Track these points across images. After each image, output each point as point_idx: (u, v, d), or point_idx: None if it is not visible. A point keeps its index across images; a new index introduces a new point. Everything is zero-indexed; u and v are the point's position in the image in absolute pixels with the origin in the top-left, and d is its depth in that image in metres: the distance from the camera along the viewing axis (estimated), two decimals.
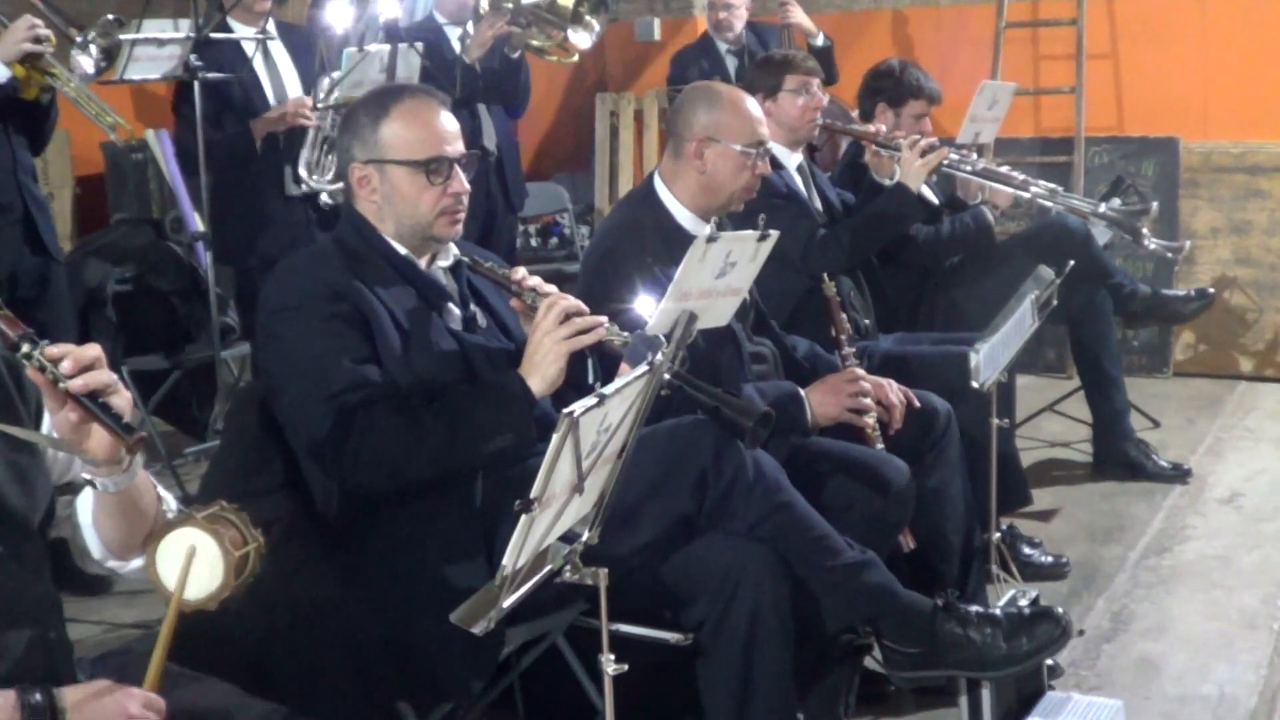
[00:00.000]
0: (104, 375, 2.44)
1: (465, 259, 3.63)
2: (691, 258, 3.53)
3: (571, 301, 3.43)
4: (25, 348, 2.41)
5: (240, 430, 3.60)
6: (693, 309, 3.51)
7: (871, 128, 5.74)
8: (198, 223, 6.52)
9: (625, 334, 3.41)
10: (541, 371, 3.35)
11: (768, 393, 4.09)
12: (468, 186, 3.58)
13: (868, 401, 4.21)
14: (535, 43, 6.86)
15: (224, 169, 6.22)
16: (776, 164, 5.22)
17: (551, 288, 3.49)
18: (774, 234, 3.78)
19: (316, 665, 3.32)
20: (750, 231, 3.74)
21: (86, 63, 5.42)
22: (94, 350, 2.46)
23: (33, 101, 5.32)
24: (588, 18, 6.70)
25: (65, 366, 2.41)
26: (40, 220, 5.50)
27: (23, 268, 5.44)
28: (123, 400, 2.46)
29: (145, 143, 8.10)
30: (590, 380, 3.58)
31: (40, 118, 5.44)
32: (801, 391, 4.17)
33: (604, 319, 3.43)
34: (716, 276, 3.66)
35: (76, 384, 2.40)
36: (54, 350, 2.42)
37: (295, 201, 6.37)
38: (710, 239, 3.55)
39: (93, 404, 2.41)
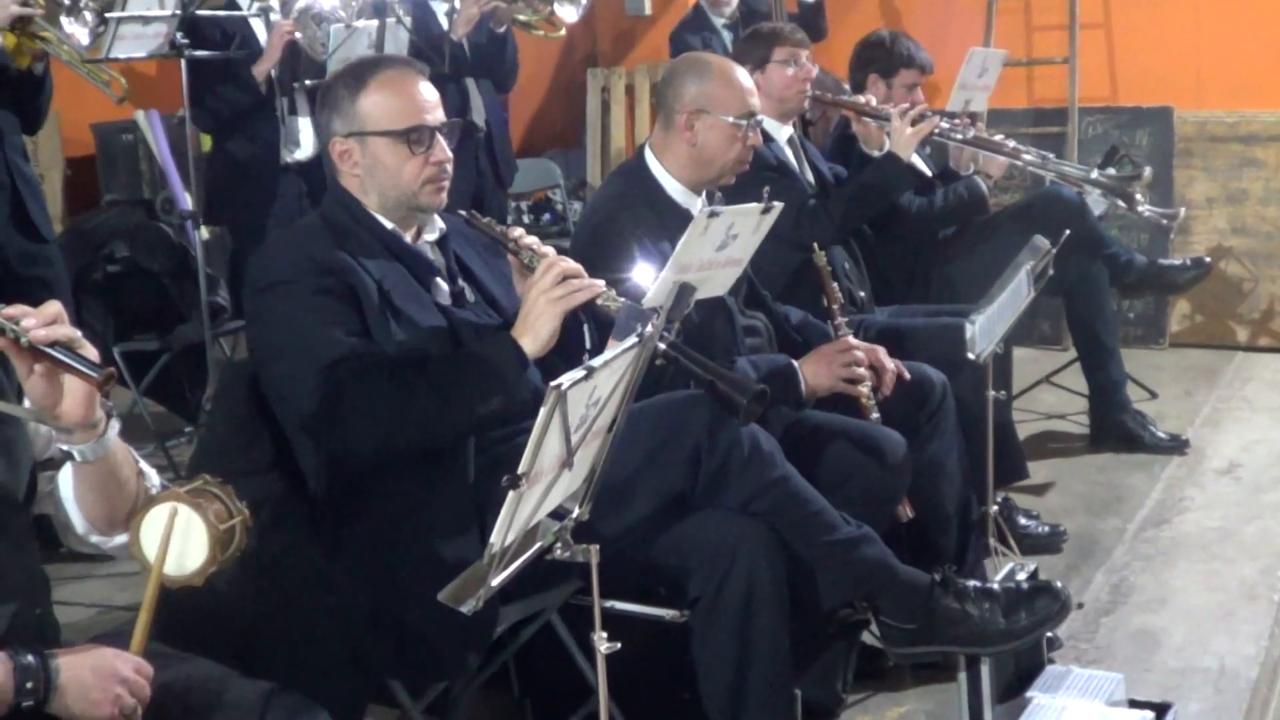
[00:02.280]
0: (67, 329, 2.43)
1: (462, 215, 3.59)
2: (693, 232, 3.50)
3: (570, 264, 3.39)
4: None
5: (228, 409, 3.57)
6: (691, 281, 3.48)
7: (861, 98, 5.70)
8: (188, 202, 6.51)
9: (622, 299, 3.37)
10: (535, 331, 3.31)
11: (761, 366, 4.06)
12: (450, 154, 3.54)
13: (861, 371, 4.18)
14: (521, 17, 6.83)
15: (234, 121, 6.37)
16: (766, 137, 5.19)
17: (549, 249, 3.45)
18: (777, 206, 3.76)
19: (308, 645, 3.30)
20: (753, 205, 3.72)
21: (81, 31, 5.37)
22: (54, 306, 2.45)
23: (25, 73, 5.25)
24: None
25: (27, 322, 2.39)
26: (30, 200, 5.42)
27: (12, 248, 5.38)
28: (89, 351, 2.44)
29: (135, 123, 8.04)
30: (588, 347, 3.56)
31: (33, 90, 5.35)
32: (795, 363, 4.14)
33: (601, 283, 3.39)
34: (718, 249, 3.63)
35: (40, 334, 2.39)
36: (12, 310, 2.41)
37: (290, 173, 6.39)
38: (713, 214, 3.52)
39: (58, 351, 2.40)
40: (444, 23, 6.80)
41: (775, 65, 5.40)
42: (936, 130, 5.49)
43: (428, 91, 3.55)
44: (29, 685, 2.38)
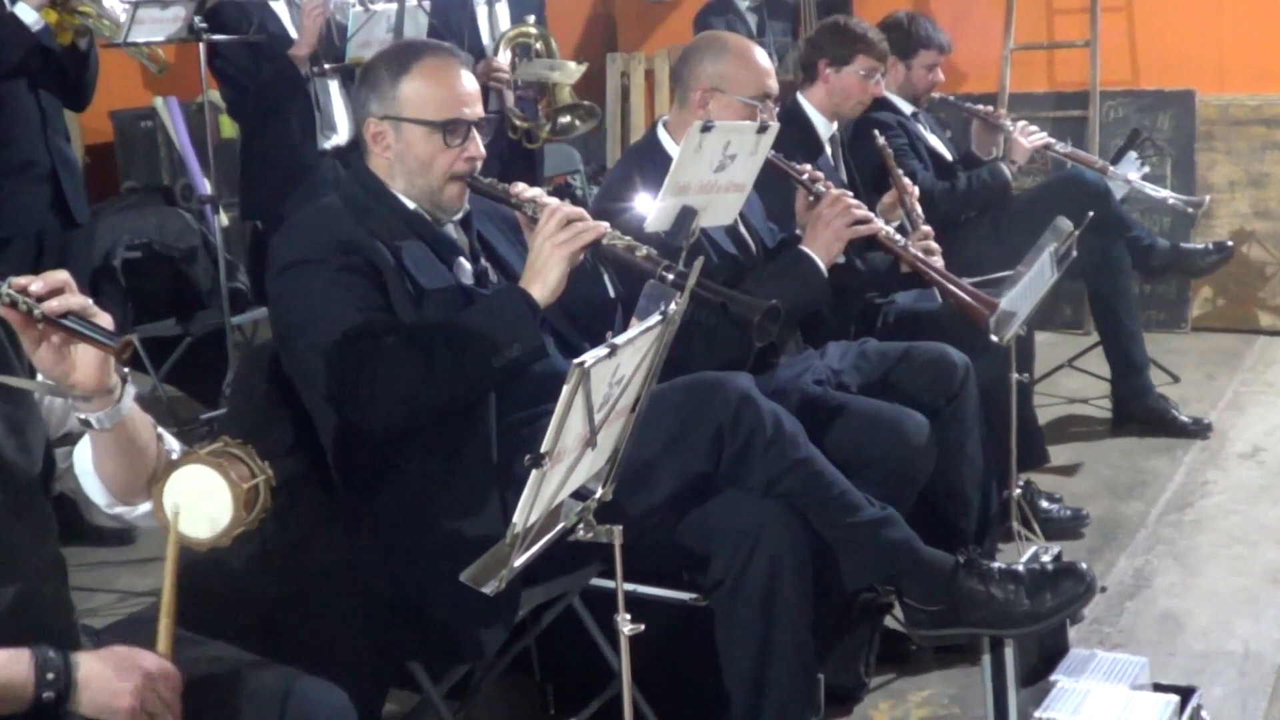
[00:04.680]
0: (79, 297, 2.39)
1: (475, 178, 3.57)
2: (687, 148, 3.48)
3: (572, 208, 3.37)
4: None
5: (249, 392, 3.56)
6: (692, 204, 3.45)
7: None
8: (207, 187, 6.49)
9: (628, 238, 3.34)
10: (543, 278, 3.28)
11: (774, 271, 4.10)
12: (483, 152, 3.52)
13: (863, 212, 4.16)
14: (518, 122, 6.87)
15: (271, 111, 6.29)
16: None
17: (553, 199, 3.43)
18: (774, 126, 3.74)
19: (329, 628, 3.29)
20: (749, 123, 3.69)
21: (119, 7, 5.37)
22: (62, 274, 2.40)
23: (69, 49, 5.24)
24: (574, 118, 6.80)
25: (36, 287, 2.34)
26: (67, 184, 5.42)
27: (49, 234, 5.38)
28: (103, 319, 2.40)
29: (154, 110, 8.05)
30: (611, 295, 3.57)
31: (78, 67, 5.35)
32: (803, 248, 4.13)
33: (605, 224, 3.37)
34: (715, 170, 3.60)
35: (52, 305, 2.34)
36: (21, 280, 2.35)
37: (327, 158, 6.37)
38: (706, 128, 3.49)
39: (72, 322, 2.35)
40: (481, 15, 6.78)
41: (852, 71, 5.34)
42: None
43: (469, 83, 3.53)
44: (50, 676, 2.35)
